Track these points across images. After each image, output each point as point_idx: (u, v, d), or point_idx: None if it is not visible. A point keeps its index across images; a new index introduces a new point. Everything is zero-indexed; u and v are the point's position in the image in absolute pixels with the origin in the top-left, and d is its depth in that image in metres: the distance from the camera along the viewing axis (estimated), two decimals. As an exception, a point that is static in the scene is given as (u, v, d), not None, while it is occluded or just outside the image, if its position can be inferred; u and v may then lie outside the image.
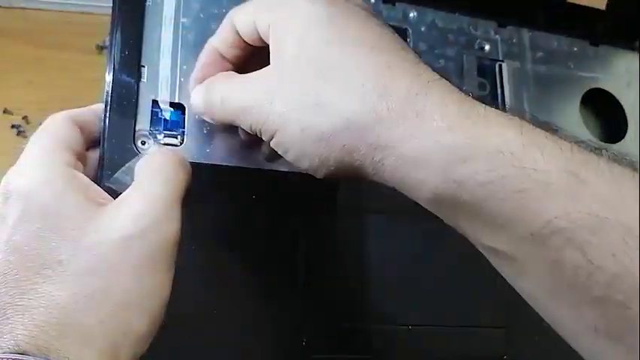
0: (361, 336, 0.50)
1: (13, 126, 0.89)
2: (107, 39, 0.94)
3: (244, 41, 0.45)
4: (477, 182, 0.34)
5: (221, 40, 0.46)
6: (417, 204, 0.38)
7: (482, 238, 0.36)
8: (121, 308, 0.37)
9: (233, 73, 0.45)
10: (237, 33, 0.45)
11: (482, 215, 0.35)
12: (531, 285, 0.36)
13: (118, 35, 0.47)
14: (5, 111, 0.90)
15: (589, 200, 0.31)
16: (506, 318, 0.53)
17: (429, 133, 0.36)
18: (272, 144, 0.41)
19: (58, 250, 0.37)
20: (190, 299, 0.43)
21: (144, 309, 0.38)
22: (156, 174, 0.42)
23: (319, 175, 0.41)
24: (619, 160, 0.34)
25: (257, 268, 0.47)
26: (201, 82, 0.46)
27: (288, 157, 0.41)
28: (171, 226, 0.40)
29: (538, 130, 0.35)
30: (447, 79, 0.39)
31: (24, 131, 0.87)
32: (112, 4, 0.49)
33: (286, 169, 0.49)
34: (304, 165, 0.41)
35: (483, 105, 0.37)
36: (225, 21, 0.46)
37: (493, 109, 0.37)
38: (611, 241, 0.31)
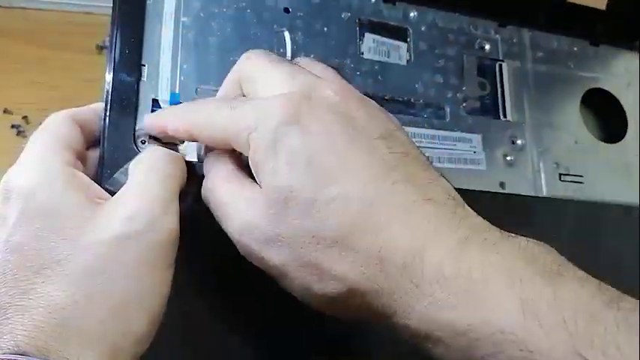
0: (360, 338, 0.50)
1: (13, 126, 0.88)
2: (107, 39, 0.94)
3: None
4: None
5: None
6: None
7: None
8: (121, 308, 0.37)
9: (230, 168, 0.43)
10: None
11: None
12: None
13: (119, 34, 0.47)
14: (5, 111, 0.89)
15: None
16: None
17: (429, 308, 0.35)
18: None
19: (57, 250, 0.37)
20: (187, 300, 0.42)
21: (143, 309, 0.38)
22: (151, 172, 0.41)
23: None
24: (627, 314, 0.32)
25: (255, 267, 0.46)
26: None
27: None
28: (168, 224, 0.39)
29: (540, 287, 0.33)
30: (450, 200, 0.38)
31: (24, 131, 0.86)
32: (112, 3, 0.49)
33: None
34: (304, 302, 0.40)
35: (486, 250, 0.36)
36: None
37: (494, 257, 0.35)
38: None
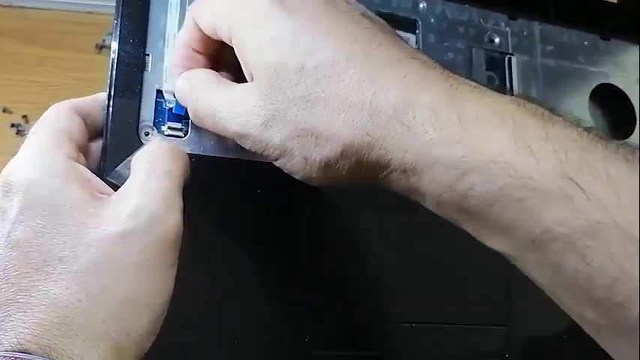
0: (362, 333, 0.49)
1: (12, 125, 0.89)
2: (107, 38, 0.93)
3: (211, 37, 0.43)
4: (477, 193, 0.33)
5: (189, 37, 0.44)
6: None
7: (487, 241, 0.35)
8: (124, 306, 0.36)
9: (213, 78, 0.43)
10: (202, 33, 0.43)
11: (485, 222, 0.34)
12: (535, 282, 0.35)
13: (123, 23, 0.45)
14: (5, 110, 0.89)
15: (586, 205, 0.31)
16: (508, 316, 0.50)
17: (422, 147, 0.35)
18: (277, 164, 0.40)
19: (59, 246, 0.36)
20: (190, 294, 0.41)
21: (147, 306, 0.37)
22: (154, 166, 0.40)
23: (333, 186, 0.40)
24: (614, 150, 0.32)
25: (259, 263, 0.46)
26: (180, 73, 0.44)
27: (297, 178, 0.40)
28: (172, 220, 0.38)
29: (532, 125, 0.33)
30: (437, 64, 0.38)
31: (23, 130, 0.88)
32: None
33: None
34: (315, 184, 0.40)
35: (477, 94, 0.36)
36: (187, 17, 0.44)
37: (487, 99, 0.35)
38: (610, 245, 0.30)
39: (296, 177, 0.40)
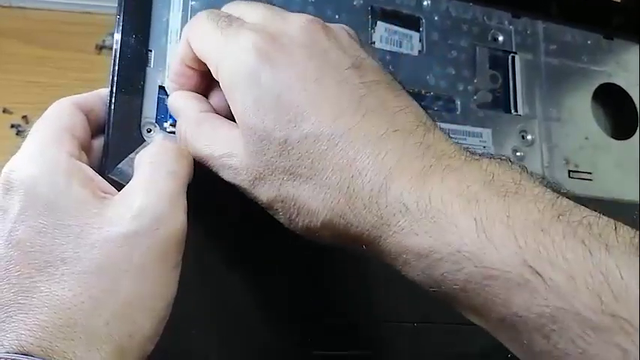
0: (362, 333, 0.48)
1: (12, 125, 0.88)
2: (107, 38, 0.93)
3: None
4: (447, 279, 0.34)
5: (183, 53, 0.43)
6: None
7: (464, 315, 0.36)
8: (128, 308, 0.35)
9: (200, 118, 0.42)
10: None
11: (459, 303, 0.35)
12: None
13: (125, 18, 0.44)
14: (5, 110, 0.89)
15: (545, 292, 0.31)
16: None
17: (394, 236, 0.35)
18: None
19: (61, 247, 0.35)
20: (190, 295, 0.40)
21: (150, 309, 0.36)
22: (158, 166, 0.39)
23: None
24: (573, 230, 0.32)
25: (258, 261, 0.45)
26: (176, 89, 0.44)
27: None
28: (176, 221, 0.37)
29: (495, 209, 0.33)
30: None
31: (23, 131, 0.87)
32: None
33: None
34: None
35: (446, 173, 0.35)
36: (182, 38, 0.43)
37: (453, 181, 0.35)
38: (570, 330, 0.30)
39: None
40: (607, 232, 0.31)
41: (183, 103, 0.43)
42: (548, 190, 0.35)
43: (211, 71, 0.41)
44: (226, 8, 0.44)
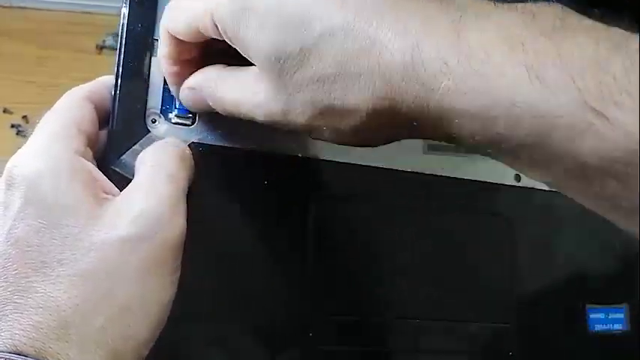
0: (367, 329, 0.46)
1: (12, 125, 0.88)
2: (107, 38, 0.92)
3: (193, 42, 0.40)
4: (507, 137, 0.31)
5: (169, 51, 0.41)
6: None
7: (525, 174, 0.34)
8: (123, 313, 0.34)
9: (219, 72, 0.40)
10: (183, 42, 0.40)
11: (520, 159, 0.32)
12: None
13: (131, 7, 0.43)
14: (5, 110, 0.88)
15: (614, 135, 0.28)
16: (513, 314, 0.49)
17: (443, 100, 0.32)
18: (313, 138, 0.38)
19: (59, 248, 0.34)
20: (195, 288, 0.39)
21: (146, 313, 0.35)
22: (159, 169, 0.38)
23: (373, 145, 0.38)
24: (635, 60, 0.29)
25: (265, 255, 0.44)
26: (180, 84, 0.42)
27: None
28: (175, 226, 0.36)
29: (543, 49, 0.30)
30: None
31: (23, 131, 0.86)
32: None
33: (303, 155, 0.44)
34: (356, 146, 0.38)
35: (481, 21, 0.32)
36: (161, 33, 0.41)
37: (491, 25, 0.32)
38: None
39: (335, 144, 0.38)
40: None
41: (196, 81, 0.41)
42: (595, 19, 0.31)
43: (210, 33, 0.38)
44: None
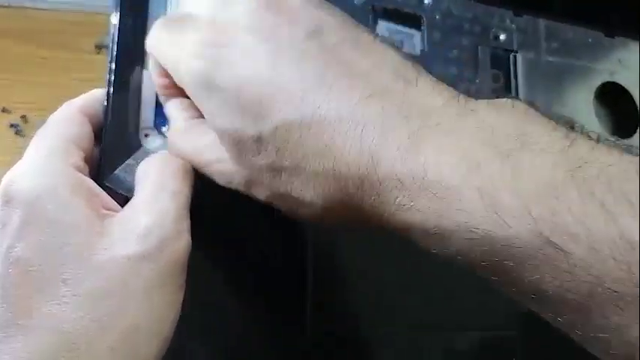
0: (362, 339, 0.45)
1: (11, 125, 0.84)
2: (107, 38, 0.89)
3: None
4: (465, 256, 0.30)
5: (156, 68, 0.39)
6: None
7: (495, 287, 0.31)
8: (131, 333, 0.32)
9: (189, 126, 0.38)
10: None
11: (485, 276, 0.30)
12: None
13: (121, 18, 0.40)
14: (4, 110, 0.85)
15: (570, 268, 0.26)
16: (517, 321, 0.47)
17: (396, 214, 0.31)
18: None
19: (62, 267, 0.31)
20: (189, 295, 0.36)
21: (154, 332, 0.33)
22: (163, 185, 0.35)
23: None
24: (589, 192, 0.27)
25: (258, 270, 0.43)
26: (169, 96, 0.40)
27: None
28: (181, 243, 0.34)
29: (498, 175, 0.28)
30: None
31: (22, 130, 0.83)
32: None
33: None
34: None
35: (441, 133, 0.30)
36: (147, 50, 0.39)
37: (448, 141, 0.30)
38: (601, 304, 0.26)
39: None
40: (629, 186, 0.26)
41: (170, 112, 0.39)
42: (559, 131, 0.29)
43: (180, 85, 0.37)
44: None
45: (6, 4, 0.90)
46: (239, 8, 0.34)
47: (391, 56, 0.34)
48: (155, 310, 0.33)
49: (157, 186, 0.35)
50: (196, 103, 0.35)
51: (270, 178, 0.34)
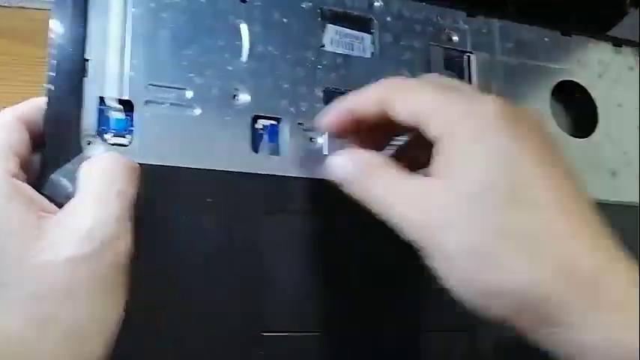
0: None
1: None
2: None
3: (390, 119, 0.38)
4: None
5: (360, 106, 0.39)
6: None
7: None
8: (74, 334, 0.31)
9: (392, 165, 0.38)
10: (387, 112, 0.38)
11: None
12: None
13: (60, 25, 0.39)
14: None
15: None
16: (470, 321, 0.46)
17: (605, 327, 0.31)
18: (427, 262, 0.35)
19: (2, 272, 0.31)
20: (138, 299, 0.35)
21: (98, 332, 0.32)
22: (108, 185, 0.35)
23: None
24: None
25: (208, 276, 0.41)
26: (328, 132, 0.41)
27: (442, 280, 0.35)
28: (124, 243, 0.33)
29: None
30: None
31: None
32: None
33: (247, 171, 0.42)
34: (457, 295, 0.35)
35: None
36: (374, 93, 0.39)
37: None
38: None
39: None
40: None
41: (367, 157, 0.39)
42: None
43: (422, 128, 0.36)
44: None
45: (6, 4, 0.90)
46: (527, 113, 0.37)
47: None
48: (97, 310, 0.32)
49: (100, 186, 0.35)
50: (449, 143, 0.35)
51: (490, 233, 0.33)
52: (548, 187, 0.34)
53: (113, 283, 0.33)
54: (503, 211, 0.33)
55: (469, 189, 0.33)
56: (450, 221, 0.33)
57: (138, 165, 0.37)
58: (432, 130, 0.36)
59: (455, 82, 0.41)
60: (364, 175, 0.38)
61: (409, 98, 0.37)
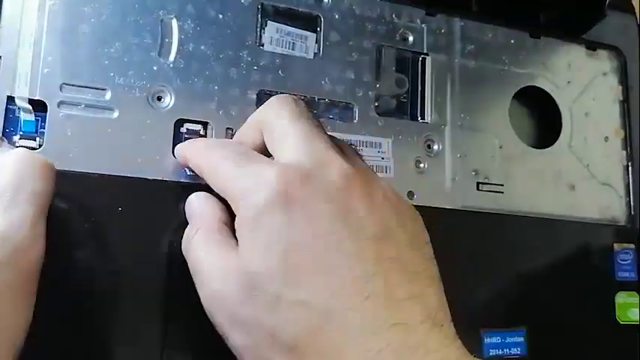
0: None
1: None
2: None
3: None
4: None
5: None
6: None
7: None
8: None
9: (215, 236, 0.36)
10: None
11: None
12: None
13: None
14: None
15: None
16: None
17: None
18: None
19: None
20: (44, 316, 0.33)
21: (7, 339, 0.30)
22: (22, 186, 0.32)
23: None
24: None
25: (116, 289, 0.38)
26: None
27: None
28: (37, 249, 0.31)
29: None
30: None
31: None
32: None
33: (162, 177, 0.39)
34: None
35: None
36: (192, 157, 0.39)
37: None
38: None
39: None
40: None
41: (205, 207, 0.38)
42: None
43: (231, 204, 0.35)
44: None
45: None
46: (334, 173, 0.34)
47: (431, 294, 0.33)
48: (5, 318, 0.30)
49: (14, 187, 0.32)
50: (240, 228, 0.34)
51: (261, 339, 0.32)
52: (322, 283, 0.31)
53: (23, 289, 0.31)
54: (272, 316, 0.32)
55: (245, 280, 0.33)
56: (236, 318, 0.33)
57: (52, 163, 0.34)
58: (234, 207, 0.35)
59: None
60: (191, 241, 0.36)
61: (194, 160, 0.37)
